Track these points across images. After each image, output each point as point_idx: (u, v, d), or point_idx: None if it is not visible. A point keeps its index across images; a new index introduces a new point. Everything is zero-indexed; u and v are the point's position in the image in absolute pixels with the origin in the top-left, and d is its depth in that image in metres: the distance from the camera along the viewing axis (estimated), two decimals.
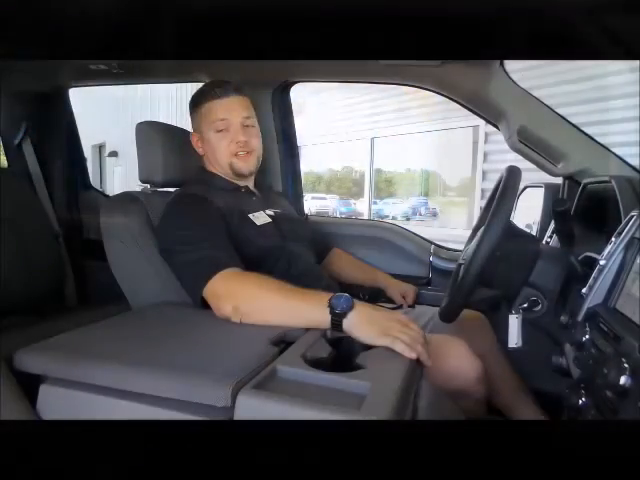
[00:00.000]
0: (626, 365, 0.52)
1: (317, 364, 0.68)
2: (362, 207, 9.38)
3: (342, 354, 0.76)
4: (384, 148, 8.39)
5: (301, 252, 1.19)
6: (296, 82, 1.56)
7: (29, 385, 0.69)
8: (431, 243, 1.62)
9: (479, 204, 5.66)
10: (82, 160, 2.04)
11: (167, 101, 9.91)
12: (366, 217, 8.44)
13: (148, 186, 1.25)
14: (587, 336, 0.66)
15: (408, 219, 9.27)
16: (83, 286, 1.87)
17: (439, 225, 8.25)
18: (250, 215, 1.12)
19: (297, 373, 0.64)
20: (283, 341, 0.78)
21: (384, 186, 9.92)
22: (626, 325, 0.60)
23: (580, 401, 0.67)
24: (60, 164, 1.89)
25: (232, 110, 1.12)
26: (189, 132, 1.32)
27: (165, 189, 1.26)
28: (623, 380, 0.51)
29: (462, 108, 1.41)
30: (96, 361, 0.66)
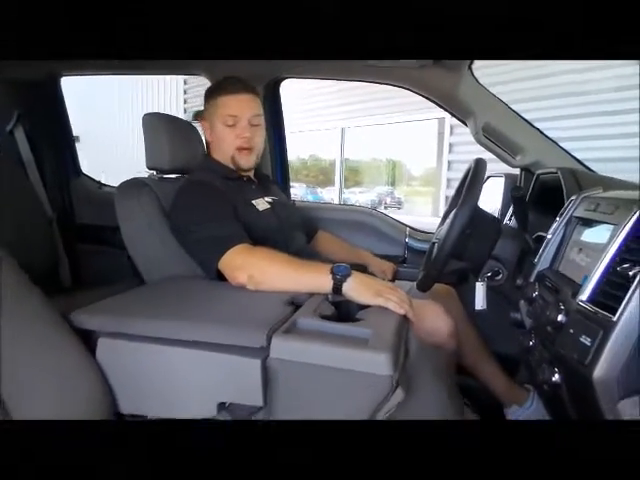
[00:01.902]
0: (562, 307, 0.70)
1: (325, 319, 0.84)
2: (329, 196, 9.55)
3: (343, 312, 0.92)
4: (355, 138, 8.56)
5: (295, 234, 1.35)
6: (286, 78, 1.70)
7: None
8: (406, 226, 1.81)
9: (445, 193, 5.94)
10: (73, 147, 2.10)
11: (132, 89, 9.72)
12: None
13: (154, 173, 1.37)
14: (536, 292, 0.85)
15: (375, 209, 9.50)
16: (76, 268, 1.95)
17: (405, 213, 8.53)
18: (253, 202, 1.25)
19: (313, 324, 0.80)
20: (293, 303, 0.94)
21: (352, 175, 10.12)
22: (565, 281, 0.79)
23: (530, 343, 0.86)
24: (52, 151, 1.95)
25: (242, 108, 1.23)
26: (190, 123, 1.45)
27: (167, 176, 1.38)
28: (560, 317, 0.70)
29: (428, 101, 1.57)
30: (149, 316, 0.79)
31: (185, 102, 9.47)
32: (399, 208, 9.44)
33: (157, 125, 1.32)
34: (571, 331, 0.65)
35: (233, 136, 1.24)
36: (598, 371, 0.57)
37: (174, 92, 9.65)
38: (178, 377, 0.77)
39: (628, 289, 0.56)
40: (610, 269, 0.63)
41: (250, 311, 0.84)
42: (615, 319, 0.56)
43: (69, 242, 1.92)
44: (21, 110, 1.82)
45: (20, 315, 0.72)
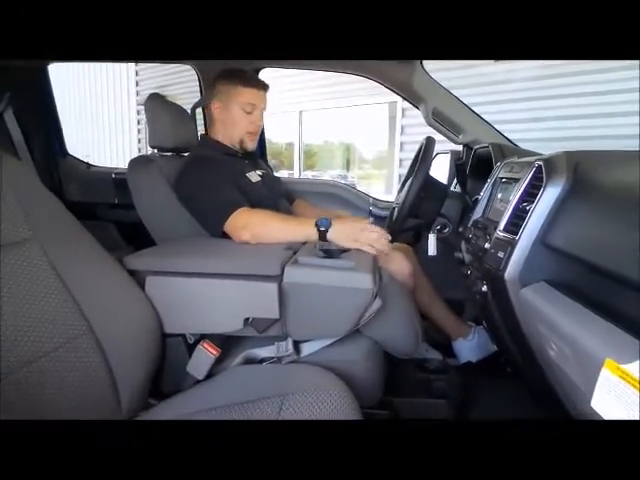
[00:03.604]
0: (488, 238, 1.01)
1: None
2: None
3: (329, 254, 1.19)
4: (309, 122, 8.76)
5: (281, 202, 1.61)
6: (264, 67, 1.93)
7: None
8: (370, 197, 2.10)
9: (398, 172, 6.32)
10: (59, 129, 2.22)
11: (82, 71, 9.43)
12: None
13: (155, 151, 1.57)
14: (472, 234, 1.16)
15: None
16: None
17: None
18: (246, 175, 1.50)
19: (310, 260, 1.06)
20: (290, 249, 1.20)
21: (305, 159, 10.33)
22: (490, 222, 1.09)
23: (469, 272, 1.17)
24: (40, 133, 2.08)
25: (261, 101, 1.50)
26: (183, 108, 1.65)
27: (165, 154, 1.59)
28: (486, 245, 1.00)
29: (380, 86, 1.82)
30: (187, 256, 1.04)
31: (137, 84, 9.30)
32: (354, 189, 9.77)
33: (159, 108, 1.52)
34: (492, 251, 0.95)
35: (248, 122, 1.50)
36: (507, 273, 0.87)
37: (124, 75, 9.45)
38: (212, 302, 1.01)
39: (524, 219, 0.87)
40: (516, 208, 0.93)
41: (263, 253, 1.10)
42: (517, 238, 0.86)
43: None
44: (11, 93, 1.94)
45: (92, 261, 0.94)
